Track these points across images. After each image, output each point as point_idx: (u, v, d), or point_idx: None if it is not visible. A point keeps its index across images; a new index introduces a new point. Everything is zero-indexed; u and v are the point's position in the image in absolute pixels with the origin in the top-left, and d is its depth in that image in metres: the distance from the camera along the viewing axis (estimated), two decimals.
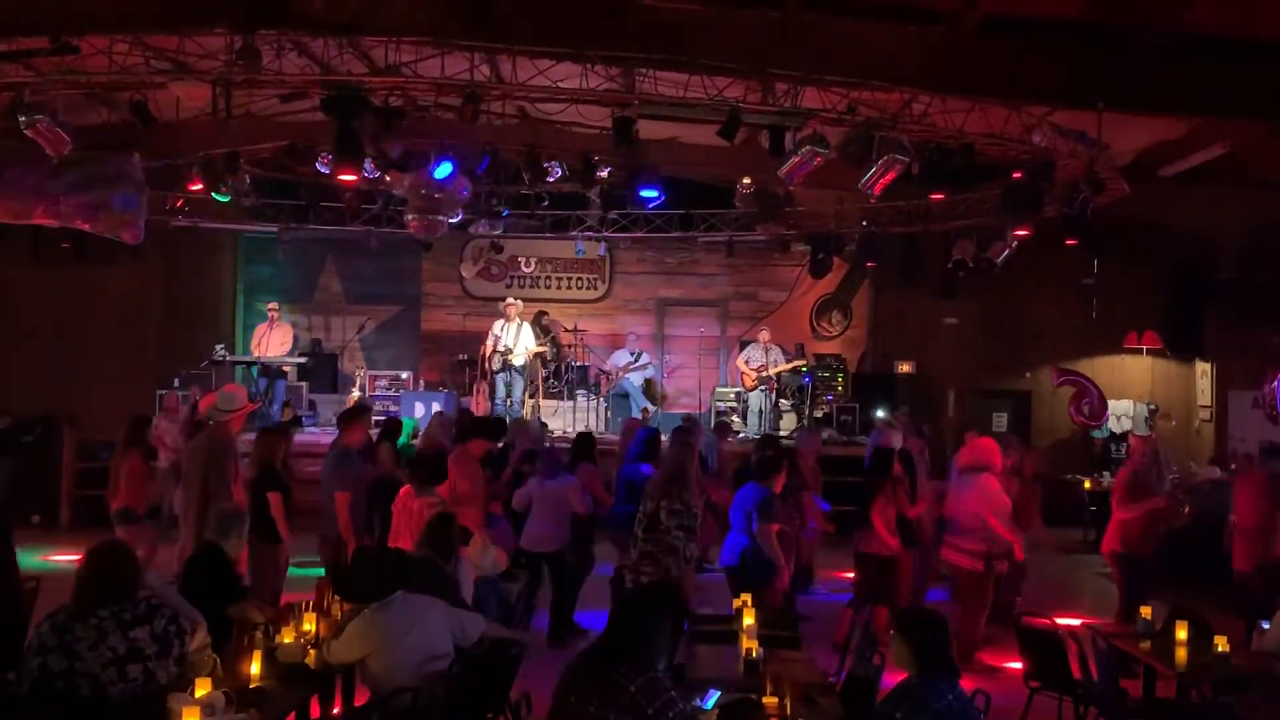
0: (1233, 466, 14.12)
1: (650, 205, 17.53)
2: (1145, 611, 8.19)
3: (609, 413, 18.34)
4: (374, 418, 13.90)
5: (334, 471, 10.13)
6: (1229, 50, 11.59)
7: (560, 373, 19.22)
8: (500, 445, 11.83)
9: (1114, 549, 10.57)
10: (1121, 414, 19.09)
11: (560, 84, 11.97)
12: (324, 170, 15.32)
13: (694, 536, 9.11)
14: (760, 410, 18.41)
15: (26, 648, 5.43)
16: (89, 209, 14.16)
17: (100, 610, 5.31)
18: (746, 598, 7.86)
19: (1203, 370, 19.70)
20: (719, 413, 18.95)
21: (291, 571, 9.92)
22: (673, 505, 8.98)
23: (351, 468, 10.26)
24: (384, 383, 19.36)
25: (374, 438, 12.15)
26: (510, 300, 18.36)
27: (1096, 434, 19.02)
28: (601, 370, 19.22)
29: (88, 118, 13.47)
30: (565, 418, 18.40)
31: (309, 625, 6.95)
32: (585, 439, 12.23)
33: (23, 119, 11.46)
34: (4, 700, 5.69)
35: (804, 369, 19.02)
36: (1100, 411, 18.61)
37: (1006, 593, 11.63)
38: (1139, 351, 19.83)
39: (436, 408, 16.10)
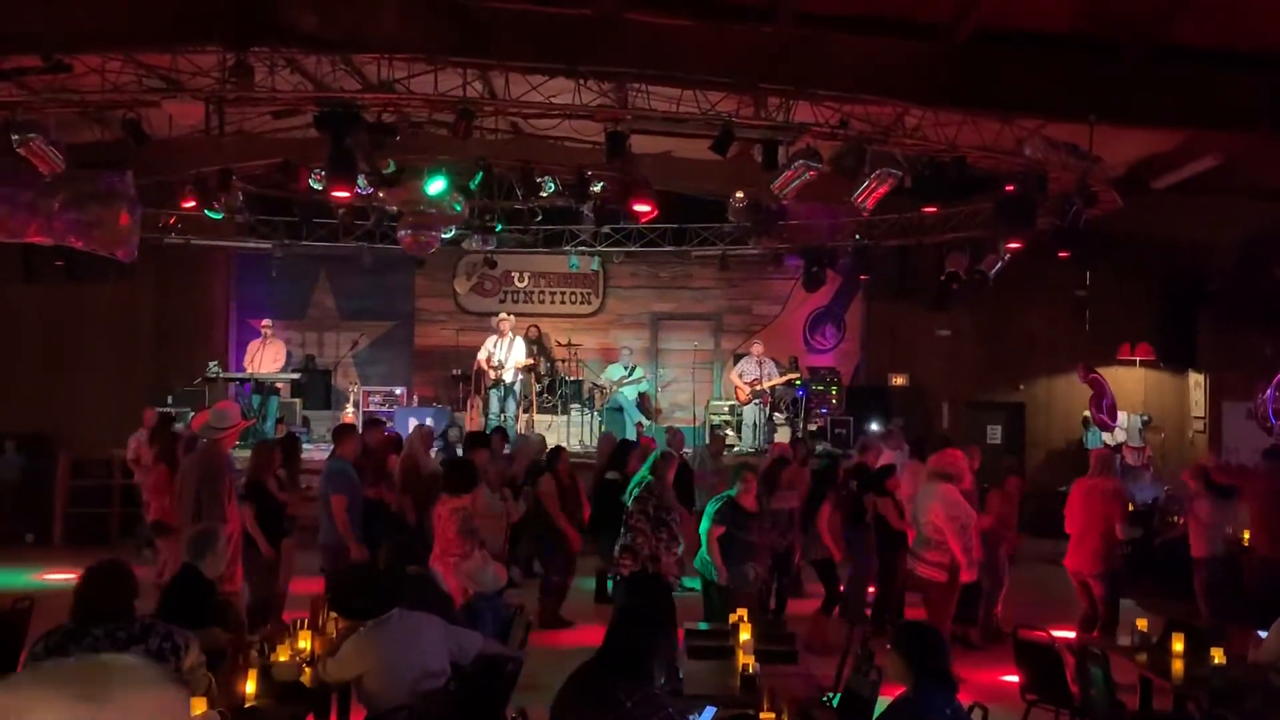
0: None
1: (643, 220, 17.52)
2: (1141, 624, 8.21)
3: (603, 427, 18.31)
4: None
5: (329, 480, 10.29)
6: (1217, 62, 11.64)
7: (554, 387, 19.20)
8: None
9: (1098, 569, 10.57)
10: (1115, 425, 19.10)
11: (553, 99, 12.01)
12: (317, 187, 15.32)
13: (669, 530, 9.94)
14: (754, 424, 18.39)
15: (21, 668, 5.41)
16: (83, 227, 14.15)
17: (95, 629, 5.29)
18: (743, 612, 7.85)
19: (1196, 381, 19.73)
20: (713, 426, 18.94)
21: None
22: (642, 495, 9.91)
23: (346, 477, 10.40)
24: (378, 399, 19.32)
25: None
26: (503, 316, 18.34)
27: (1090, 444, 19.03)
28: (595, 385, 19.20)
29: (81, 136, 13.47)
30: (559, 432, 18.37)
31: (304, 643, 6.93)
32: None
33: (16, 138, 11.46)
34: None
35: (798, 382, 19.00)
36: (1112, 416, 18.62)
37: (986, 606, 11.73)
38: (1132, 363, 19.86)
39: (430, 423, 16.10)
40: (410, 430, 14.23)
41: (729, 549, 9.83)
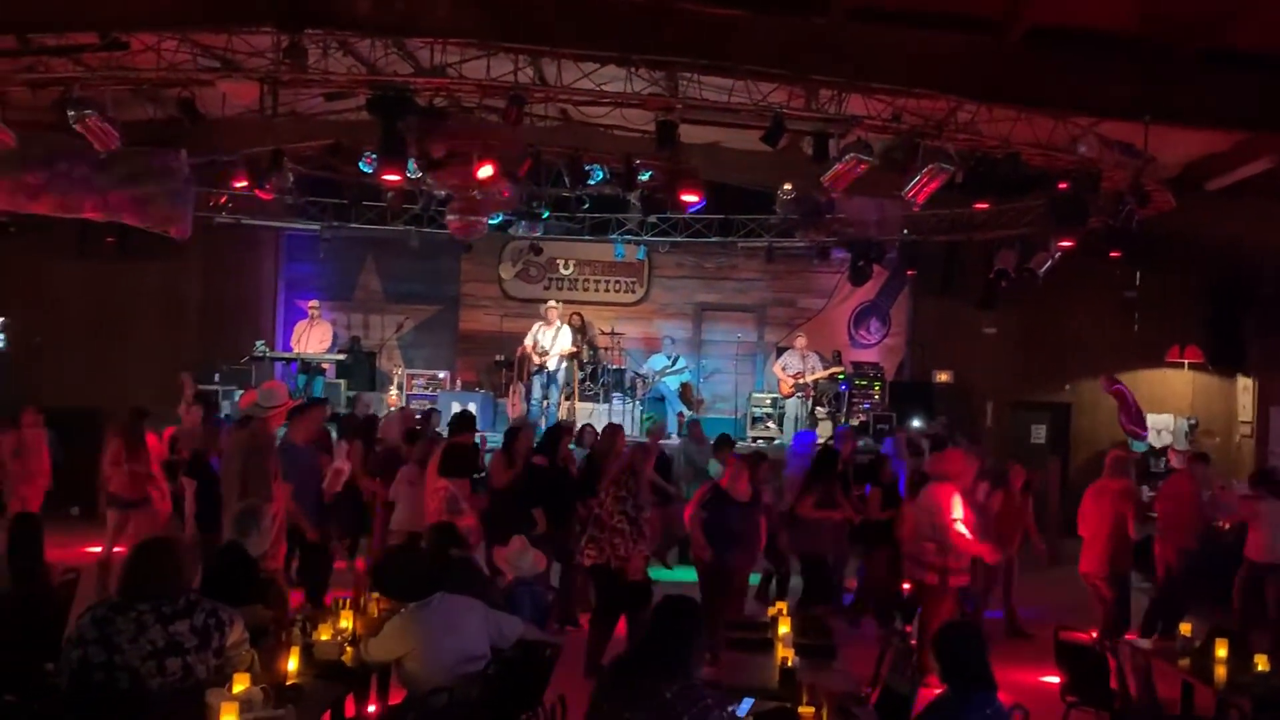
0: None
1: (690, 210, 17.50)
2: (1185, 628, 8.16)
3: (644, 416, 18.33)
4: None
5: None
6: (1274, 66, 11.50)
7: (596, 375, 19.22)
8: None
9: (1105, 571, 10.54)
10: (1162, 428, 18.92)
11: (604, 87, 11.99)
12: (367, 169, 15.39)
13: (640, 529, 9.72)
14: (796, 417, 18.35)
15: (66, 639, 5.47)
16: (136, 204, 14.28)
17: (141, 604, 5.34)
18: (782, 606, 7.85)
19: (1244, 385, 19.52)
20: (753, 419, 18.92)
21: None
22: (619, 493, 9.69)
23: (296, 461, 10.31)
24: (421, 382, 19.40)
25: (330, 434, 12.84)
26: (552, 304, 18.36)
27: (1136, 446, 18.86)
28: (638, 374, 19.21)
29: (135, 114, 13.57)
30: (600, 420, 18.37)
31: (346, 623, 6.99)
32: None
33: (72, 114, 11.55)
34: (43, 692, 5.73)
35: (841, 376, 18.94)
36: (1139, 422, 18.46)
37: (1009, 602, 11.76)
38: (1180, 365, 19.68)
39: (474, 408, 16.18)
40: (393, 413, 14.44)
41: (711, 534, 9.81)
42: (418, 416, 15.26)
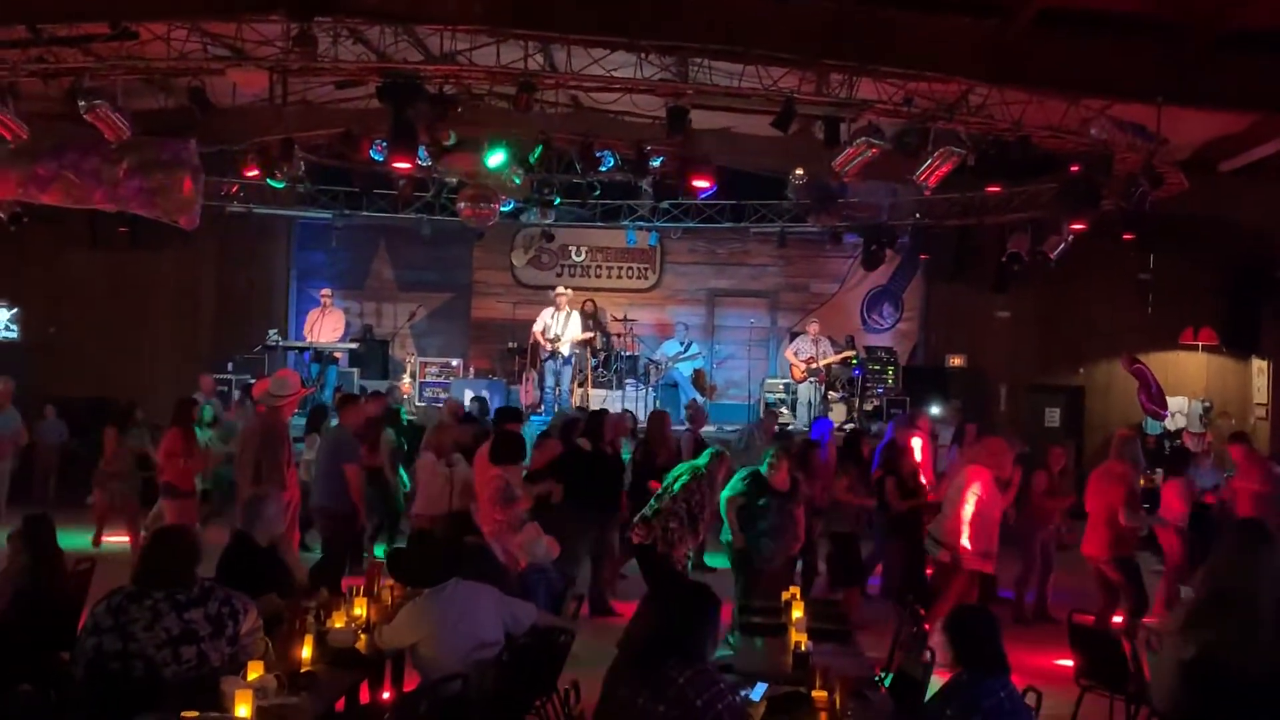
0: None
1: (702, 195, 17.48)
2: None
3: (658, 403, 18.31)
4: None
5: (338, 450, 10.33)
6: None
7: (609, 362, 19.20)
8: None
9: (1107, 555, 10.48)
10: (1176, 410, 18.85)
11: (614, 73, 11.98)
12: (378, 157, 15.39)
13: (695, 528, 9.81)
14: (809, 402, 18.31)
15: (82, 628, 5.49)
16: (147, 194, 14.29)
17: (156, 592, 5.35)
18: (795, 590, 7.84)
19: (1259, 368, 19.43)
20: (768, 405, 18.88)
21: None
22: (691, 484, 9.75)
23: (353, 446, 10.52)
24: (434, 370, 19.41)
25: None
26: (561, 290, 18.32)
27: (1150, 430, 18.81)
28: (651, 360, 19.19)
29: (145, 103, 13.59)
30: (614, 407, 18.34)
31: (360, 610, 6.99)
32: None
33: (82, 104, 11.57)
34: (59, 681, 5.75)
35: (854, 361, 18.91)
36: (1160, 402, 18.39)
37: (1019, 590, 11.73)
38: (1195, 348, 19.60)
39: (486, 395, 16.21)
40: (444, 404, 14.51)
41: (745, 521, 9.80)
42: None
